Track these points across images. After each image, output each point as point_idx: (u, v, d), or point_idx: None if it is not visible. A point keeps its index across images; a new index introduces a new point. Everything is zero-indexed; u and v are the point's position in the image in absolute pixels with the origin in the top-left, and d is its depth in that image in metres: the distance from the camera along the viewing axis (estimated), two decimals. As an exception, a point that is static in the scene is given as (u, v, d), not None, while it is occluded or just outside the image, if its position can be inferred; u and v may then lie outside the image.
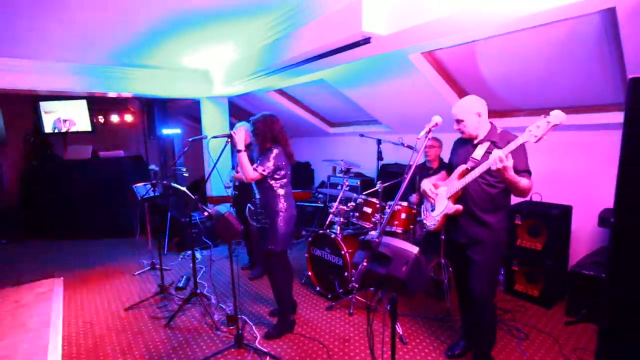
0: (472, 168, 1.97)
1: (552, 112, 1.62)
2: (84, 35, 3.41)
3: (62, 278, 3.89)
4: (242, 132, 2.48)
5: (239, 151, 2.47)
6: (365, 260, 1.36)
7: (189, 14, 2.96)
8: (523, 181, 1.82)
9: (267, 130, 2.53)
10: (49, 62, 4.26)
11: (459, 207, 2.03)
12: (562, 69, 2.77)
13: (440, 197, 2.15)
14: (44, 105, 6.20)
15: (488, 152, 1.95)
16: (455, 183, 2.05)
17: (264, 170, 2.47)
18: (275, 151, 2.50)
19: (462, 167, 2.04)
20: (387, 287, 1.41)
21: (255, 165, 2.48)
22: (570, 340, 2.50)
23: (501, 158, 1.69)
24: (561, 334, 2.59)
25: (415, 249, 1.40)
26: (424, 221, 2.29)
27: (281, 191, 2.56)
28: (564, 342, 2.48)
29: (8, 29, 3.14)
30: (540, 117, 1.66)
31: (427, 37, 2.52)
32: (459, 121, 2.04)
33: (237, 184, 3.68)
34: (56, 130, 6.30)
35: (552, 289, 2.94)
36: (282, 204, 2.55)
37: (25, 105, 6.39)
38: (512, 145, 1.75)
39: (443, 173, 2.33)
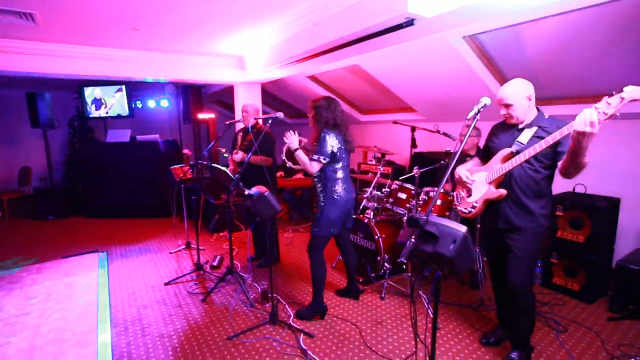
0: (518, 152, 1.90)
1: (625, 88, 1.44)
2: (126, 20, 3.51)
3: (105, 252, 4.13)
4: (295, 136, 2.50)
5: (295, 150, 2.46)
6: (412, 237, 1.36)
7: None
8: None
9: (329, 116, 2.49)
10: (90, 48, 4.42)
11: (503, 191, 1.96)
12: (614, 53, 2.61)
13: (479, 183, 2.09)
14: (87, 91, 6.52)
15: (536, 137, 1.87)
16: (498, 166, 1.97)
17: (324, 159, 2.45)
18: (331, 135, 2.46)
19: (507, 151, 1.95)
20: (434, 265, 1.41)
21: (311, 156, 2.46)
22: (614, 336, 2.41)
23: (593, 122, 1.45)
24: (603, 329, 2.49)
25: (463, 228, 1.39)
26: (459, 207, 2.24)
27: (339, 174, 2.53)
28: (607, 338, 2.39)
29: (56, 14, 3.28)
30: (585, 105, 1.51)
31: (472, 19, 2.43)
32: (507, 106, 1.92)
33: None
34: (95, 108, 6.56)
35: (594, 283, 2.83)
36: (337, 188, 2.53)
37: (70, 91, 6.75)
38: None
39: (476, 159, 2.27)
